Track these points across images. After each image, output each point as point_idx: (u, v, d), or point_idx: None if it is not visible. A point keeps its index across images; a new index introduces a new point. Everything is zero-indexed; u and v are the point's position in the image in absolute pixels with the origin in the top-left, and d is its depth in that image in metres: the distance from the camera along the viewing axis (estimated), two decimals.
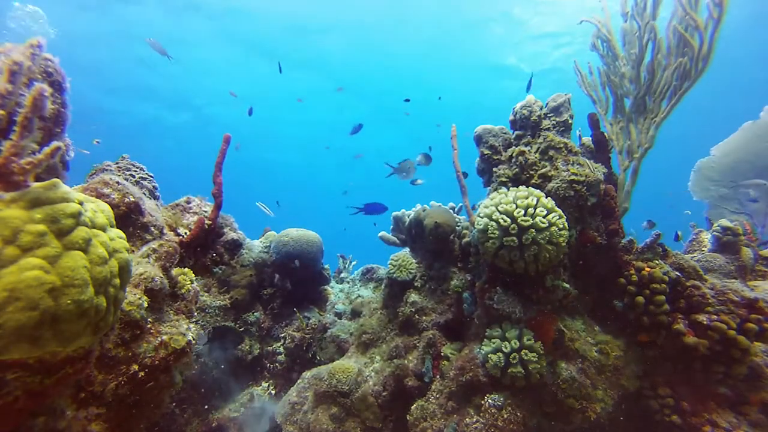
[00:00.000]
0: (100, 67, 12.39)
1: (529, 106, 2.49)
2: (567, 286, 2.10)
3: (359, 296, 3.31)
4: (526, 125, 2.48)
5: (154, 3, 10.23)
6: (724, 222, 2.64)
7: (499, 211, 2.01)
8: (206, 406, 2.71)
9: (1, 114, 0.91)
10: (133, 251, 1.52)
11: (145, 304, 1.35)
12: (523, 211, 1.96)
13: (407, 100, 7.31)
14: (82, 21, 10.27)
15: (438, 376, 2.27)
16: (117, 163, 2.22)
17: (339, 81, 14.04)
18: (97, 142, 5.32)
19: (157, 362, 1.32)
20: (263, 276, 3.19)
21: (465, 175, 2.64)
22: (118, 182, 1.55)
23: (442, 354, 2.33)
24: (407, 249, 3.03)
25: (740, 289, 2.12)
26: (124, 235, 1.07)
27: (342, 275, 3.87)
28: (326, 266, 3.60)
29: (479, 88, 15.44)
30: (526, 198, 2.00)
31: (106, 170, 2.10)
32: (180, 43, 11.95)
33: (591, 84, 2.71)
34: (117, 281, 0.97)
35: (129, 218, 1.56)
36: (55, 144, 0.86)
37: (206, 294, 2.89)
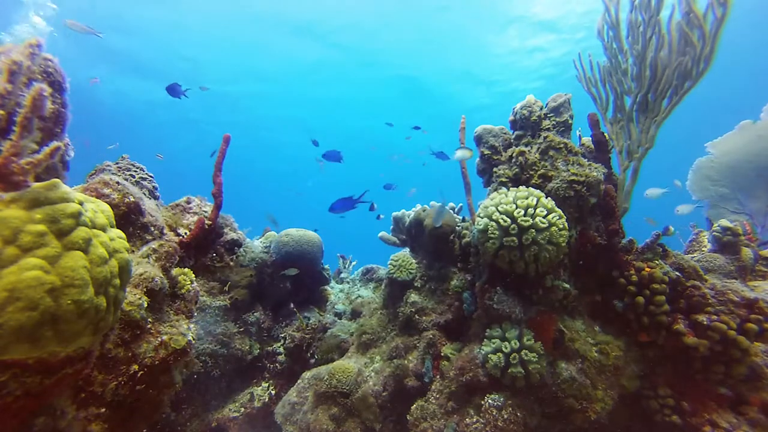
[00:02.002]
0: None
1: (529, 107, 2.49)
2: (567, 286, 2.10)
3: (359, 296, 3.31)
4: (526, 125, 2.48)
5: None
6: (724, 222, 2.64)
7: (499, 211, 2.01)
8: (206, 406, 2.71)
9: (1, 114, 0.91)
10: (133, 251, 1.52)
11: (145, 305, 1.35)
12: (523, 212, 1.96)
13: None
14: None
15: (438, 376, 2.27)
16: (117, 163, 2.22)
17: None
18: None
19: (157, 362, 1.32)
20: (263, 276, 3.19)
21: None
22: (118, 182, 1.55)
23: (442, 354, 2.32)
24: (407, 249, 3.03)
25: (740, 289, 2.12)
26: (124, 236, 1.07)
27: (342, 275, 3.87)
28: (326, 266, 3.60)
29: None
30: (526, 198, 2.00)
31: (106, 170, 2.10)
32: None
33: (591, 80, 2.68)
34: (117, 281, 0.97)
35: (129, 218, 1.56)
36: (54, 144, 0.86)
37: (206, 294, 2.89)
